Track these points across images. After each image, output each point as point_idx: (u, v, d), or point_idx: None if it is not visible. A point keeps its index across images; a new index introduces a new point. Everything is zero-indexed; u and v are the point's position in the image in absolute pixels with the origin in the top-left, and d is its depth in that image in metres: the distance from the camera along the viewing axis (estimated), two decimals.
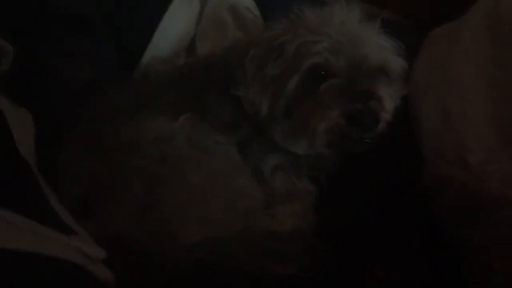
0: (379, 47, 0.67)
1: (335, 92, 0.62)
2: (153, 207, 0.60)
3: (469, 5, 0.77)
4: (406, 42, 0.73)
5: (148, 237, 0.59)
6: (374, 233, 0.66)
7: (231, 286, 0.55)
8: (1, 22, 0.72)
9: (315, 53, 0.63)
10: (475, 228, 0.54)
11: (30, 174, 0.53)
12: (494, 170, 0.52)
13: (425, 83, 0.71)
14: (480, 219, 0.53)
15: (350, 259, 0.62)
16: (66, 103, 0.77)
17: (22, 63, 0.69)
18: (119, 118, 0.67)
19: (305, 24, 0.68)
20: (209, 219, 0.62)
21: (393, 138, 0.73)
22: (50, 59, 0.78)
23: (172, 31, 0.89)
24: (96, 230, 0.56)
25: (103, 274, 0.49)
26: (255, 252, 0.61)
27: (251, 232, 0.65)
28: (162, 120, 0.66)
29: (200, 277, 0.56)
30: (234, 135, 0.70)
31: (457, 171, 0.57)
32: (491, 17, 0.68)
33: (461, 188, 0.56)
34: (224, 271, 0.57)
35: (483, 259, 0.54)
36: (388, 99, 0.64)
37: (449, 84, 0.65)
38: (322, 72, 0.63)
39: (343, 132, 0.62)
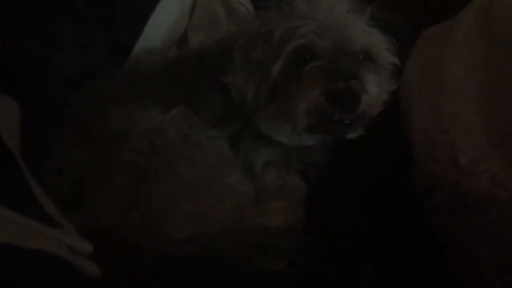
0: (365, 32, 0.67)
1: (317, 73, 0.61)
2: (142, 201, 0.59)
3: (462, 6, 0.78)
4: (398, 40, 0.74)
5: (137, 231, 0.58)
6: (363, 230, 0.66)
7: (220, 281, 0.55)
8: None
9: (300, 35, 0.63)
10: (465, 227, 0.55)
11: (15, 164, 0.52)
12: (484, 169, 0.53)
13: (417, 82, 0.71)
14: (470, 218, 0.54)
15: (339, 255, 0.61)
16: (54, 91, 0.76)
17: (9, 50, 0.68)
18: (109, 109, 0.66)
19: (293, 11, 0.68)
20: (199, 214, 0.62)
21: (383, 136, 0.74)
22: (38, 47, 0.77)
23: (164, 22, 0.88)
24: (83, 223, 0.55)
25: (89, 268, 0.48)
26: (245, 248, 0.61)
27: (241, 227, 0.64)
28: (153, 112, 0.65)
29: (189, 272, 0.55)
30: (225, 129, 0.69)
31: (448, 170, 0.57)
32: (484, 18, 0.68)
33: (452, 187, 0.56)
34: (213, 266, 0.56)
35: (473, 258, 0.54)
36: (372, 84, 0.63)
37: (441, 84, 0.65)
38: (308, 56, 0.63)
39: (323, 112, 0.61)
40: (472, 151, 0.56)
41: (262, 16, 0.72)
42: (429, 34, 0.80)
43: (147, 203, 0.60)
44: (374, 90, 0.64)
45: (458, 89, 0.64)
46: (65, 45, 0.80)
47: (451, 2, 1.29)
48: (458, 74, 0.66)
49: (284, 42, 0.64)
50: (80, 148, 0.64)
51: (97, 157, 0.62)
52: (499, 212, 0.49)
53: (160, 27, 0.88)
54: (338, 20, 0.66)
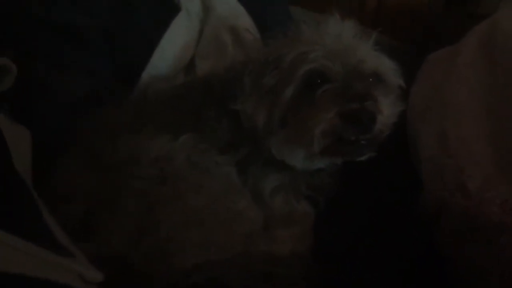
0: (373, 55, 0.69)
1: (331, 95, 0.62)
2: (152, 229, 0.59)
3: (460, 31, 0.79)
4: (402, 64, 0.74)
5: (146, 259, 0.58)
6: (371, 256, 0.66)
7: None
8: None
9: (311, 60, 0.64)
10: (475, 254, 0.54)
11: (27, 193, 0.53)
12: (493, 196, 0.53)
13: (423, 107, 0.72)
14: (480, 245, 0.53)
15: (347, 283, 0.61)
16: (63, 117, 0.77)
17: (20, 77, 0.69)
18: (118, 136, 0.67)
19: (301, 37, 0.69)
20: (207, 242, 0.61)
21: (391, 161, 0.74)
22: (46, 73, 0.78)
23: (171, 50, 0.89)
24: (93, 251, 0.55)
25: None
26: (252, 277, 0.61)
27: (249, 255, 0.64)
28: (162, 139, 0.66)
29: None
30: (233, 155, 0.70)
31: (456, 196, 0.57)
32: (487, 44, 0.69)
33: (460, 213, 0.56)
34: None
35: (484, 285, 0.54)
36: (385, 104, 0.64)
37: (447, 109, 0.66)
38: (319, 81, 0.64)
39: (339, 133, 0.61)
40: (481, 177, 0.56)
41: (269, 44, 0.73)
42: (434, 59, 0.82)
43: (156, 231, 0.60)
44: (388, 110, 0.64)
45: (464, 114, 0.65)
46: (73, 71, 0.81)
47: (451, 28, 1.32)
48: (464, 99, 0.67)
49: (295, 67, 0.64)
50: (89, 175, 0.64)
51: (106, 185, 0.62)
52: (509, 239, 0.49)
53: (167, 54, 0.89)
54: (347, 45, 0.67)
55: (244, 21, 0.95)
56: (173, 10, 0.91)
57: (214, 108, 0.72)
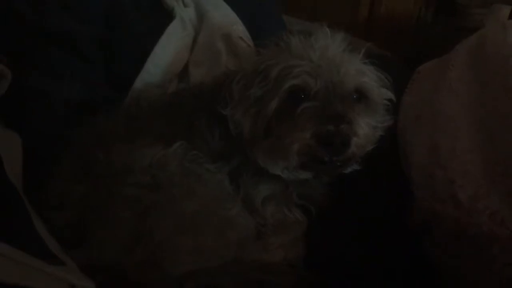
0: (357, 72, 0.69)
1: (309, 114, 0.63)
2: (145, 236, 0.59)
3: (450, 42, 0.81)
4: (393, 75, 0.75)
5: (139, 267, 0.58)
6: (362, 265, 0.66)
7: None
8: None
9: (295, 75, 0.64)
10: (466, 264, 0.55)
11: (18, 200, 0.52)
12: (484, 207, 0.54)
13: (414, 118, 0.73)
14: (471, 255, 0.54)
15: None
16: (54, 124, 0.76)
17: (13, 84, 0.69)
18: (111, 145, 0.66)
19: (290, 49, 0.69)
20: (199, 249, 0.62)
21: (382, 171, 0.75)
22: (39, 80, 0.78)
23: (165, 57, 0.89)
24: (85, 259, 0.55)
25: None
26: (245, 284, 0.61)
27: (242, 263, 0.64)
28: (155, 147, 0.66)
29: None
30: (225, 165, 0.70)
31: (447, 207, 0.58)
32: (477, 56, 0.71)
33: (452, 224, 0.56)
34: None
35: None
36: (362, 125, 0.65)
37: (437, 120, 0.67)
38: (302, 96, 0.65)
39: (314, 154, 0.63)
40: (472, 188, 0.56)
41: (261, 53, 0.74)
42: (424, 70, 0.83)
43: (149, 238, 0.59)
44: (365, 132, 0.65)
45: (454, 125, 0.66)
46: (66, 78, 0.81)
47: (439, 39, 1.35)
48: (454, 111, 0.68)
49: (280, 81, 0.65)
50: (82, 183, 0.64)
51: (99, 193, 0.62)
52: (500, 250, 0.49)
53: (161, 62, 0.89)
54: (332, 61, 0.67)
55: (238, 29, 0.96)
56: (167, 17, 0.92)
57: (205, 117, 0.72)
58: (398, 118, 0.75)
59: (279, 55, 0.69)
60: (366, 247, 0.68)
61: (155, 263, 0.59)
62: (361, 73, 0.69)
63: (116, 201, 0.60)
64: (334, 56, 0.68)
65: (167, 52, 0.89)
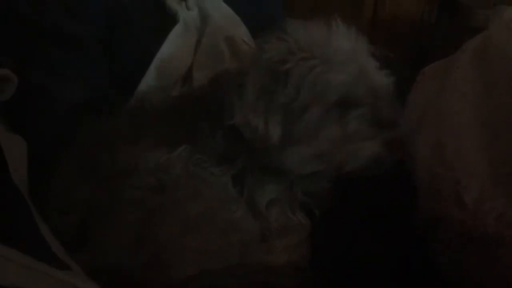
0: (384, 74, 0.70)
1: (367, 121, 0.65)
2: (149, 238, 0.59)
3: (452, 45, 0.81)
4: (395, 77, 0.75)
5: (143, 270, 0.58)
6: (367, 266, 0.66)
7: None
8: None
9: (338, 85, 0.64)
10: (471, 265, 0.55)
11: (23, 204, 0.53)
12: (490, 208, 0.53)
13: (419, 118, 0.73)
14: (476, 257, 0.54)
15: None
16: (57, 126, 0.76)
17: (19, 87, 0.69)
18: (116, 147, 0.66)
19: (306, 47, 0.67)
20: (204, 250, 0.62)
21: (387, 171, 0.75)
22: (42, 81, 0.78)
23: (169, 60, 0.89)
24: (89, 261, 0.55)
25: None
26: (249, 286, 0.61)
27: (246, 265, 0.64)
28: (160, 150, 0.66)
29: None
30: (229, 168, 0.69)
31: (453, 208, 0.57)
32: (481, 57, 0.71)
33: (457, 224, 0.56)
34: None
35: None
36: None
37: (443, 121, 0.67)
38: (345, 102, 0.65)
39: (379, 160, 0.65)
40: (477, 189, 0.56)
41: (265, 49, 0.70)
42: (429, 71, 0.83)
43: (154, 241, 0.60)
44: None
45: (459, 126, 0.66)
46: (69, 80, 0.81)
47: (443, 39, 1.35)
48: (459, 111, 0.68)
49: (321, 89, 0.64)
50: (85, 185, 0.64)
51: (103, 195, 0.62)
52: (506, 252, 0.49)
53: (165, 64, 0.89)
54: (363, 66, 0.67)
55: (241, 31, 0.96)
56: (171, 20, 0.92)
57: (208, 121, 0.71)
58: (403, 118, 0.75)
59: (294, 54, 0.67)
60: (371, 248, 0.67)
61: (160, 265, 0.59)
62: (387, 76, 0.70)
63: (120, 203, 0.60)
64: (363, 59, 0.68)
65: (171, 55, 0.90)
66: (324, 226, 0.72)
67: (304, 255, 0.69)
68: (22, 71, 0.65)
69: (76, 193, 0.63)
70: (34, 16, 0.78)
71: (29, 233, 0.49)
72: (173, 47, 0.90)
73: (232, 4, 1.00)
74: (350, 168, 0.67)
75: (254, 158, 0.70)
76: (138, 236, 0.59)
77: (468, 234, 0.55)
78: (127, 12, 0.90)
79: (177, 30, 0.91)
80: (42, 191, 0.64)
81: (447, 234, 0.59)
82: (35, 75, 0.77)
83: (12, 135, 0.62)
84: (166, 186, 0.63)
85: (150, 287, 0.57)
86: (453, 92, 0.69)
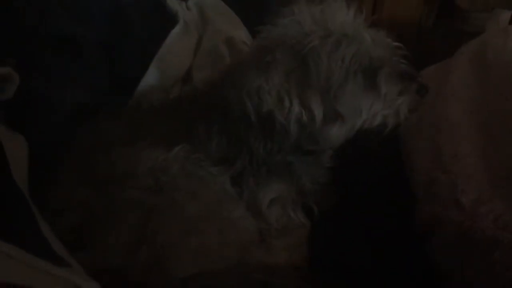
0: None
1: (394, 78, 0.68)
2: (148, 238, 0.59)
3: (450, 49, 0.82)
4: None
5: (142, 270, 0.58)
6: (366, 267, 0.67)
7: None
8: None
9: (364, 52, 0.66)
10: (468, 267, 0.55)
11: (24, 203, 0.52)
12: (487, 210, 0.54)
13: (417, 122, 0.73)
14: (473, 259, 0.54)
15: None
16: (58, 128, 0.76)
17: (17, 89, 0.69)
18: (114, 149, 0.66)
19: (320, 25, 0.67)
20: (203, 250, 0.62)
21: (386, 173, 0.75)
22: (43, 84, 0.77)
23: (169, 61, 0.90)
24: (88, 262, 0.55)
25: None
26: (249, 286, 0.61)
27: (245, 265, 0.64)
28: (157, 151, 0.66)
29: None
30: (227, 169, 0.70)
31: (451, 211, 0.58)
32: (478, 61, 0.72)
33: (455, 228, 0.57)
34: None
35: None
36: None
37: (440, 124, 0.68)
38: (370, 67, 0.67)
39: (416, 106, 0.68)
40: (474, 192, 0.57)
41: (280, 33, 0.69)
42: (427, 74, 0.83)
43: (152, 241, 0.60)
44: None
45: (456, 129, 0.66)
46: (70, 82, 0.81)
47: (440, 43, 1.35)
48: (456, 115, 0.68)
49: (351, 60, 0.65)
50: (84, 187, 0.63)
51: (101, 196, 0.62)
52: (502, 255, 0.50)
53: (165, 65, 0.90)
54: (374, 34, 0.69)
55: (241, 32, 0.96)
56: (171, 21, 0.92)
57: (204, 122, 0.71)
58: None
59: (315, 32, 0.66)
60: (370, 249, 0.68)
61: (159, 265, 0.59)
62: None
63: (118, 204, 0.60)
64: (358, 24, 0.69)
65: (170, 56, 0.90)
66: (324, 226, 0.73)
67: (304, 255, 0.70)
68: (23, 73, 0.65)
69: (75, 194, 0.63)
70: (36, 20, 0.78)
71: (30, 231, 0.49)
72: (173, 48, 0.90)
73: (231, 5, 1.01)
74: (392, 125, 0.69)
75: (257, 159, 0.70)
76: (137, 237, 0.59)
77: (466, 235, 0.55)
78: (127, 13, 0.90)
79: (177, 30, 0.92)
80: (42, 192, 0.64)
81: (445, 236, 0.59)
82: (36, 78, 0.77)
83: (13, 135, 0.62)
84: (163, 187, 0.63)
85: (150, 286, 0.57)
86: (450, 97, 0.70)
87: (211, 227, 0.63)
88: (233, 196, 0.69)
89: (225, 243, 0.63)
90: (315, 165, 0.75)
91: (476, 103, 0.67)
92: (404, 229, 0.68)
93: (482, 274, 0.53)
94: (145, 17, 0.92)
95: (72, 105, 0.79)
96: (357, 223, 0.71)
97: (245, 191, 0.70)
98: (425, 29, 1.39)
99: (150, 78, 0.88)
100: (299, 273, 0.65)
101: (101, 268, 0.56)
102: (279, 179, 0.72)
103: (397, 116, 0.69)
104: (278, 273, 0.64)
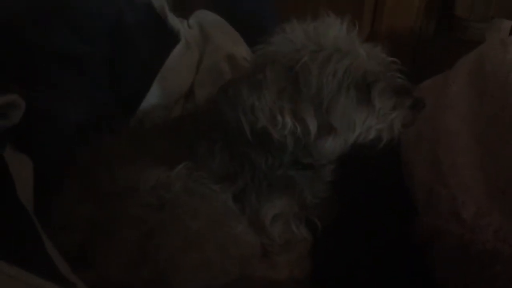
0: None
1: (388, 93, 0.68)
2: (151, 255, 0.60)
3: (448, 60, 0.83)
4: None
5: (144, 286, 0.58)
6: (368, 282, 0.67)
7: None
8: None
9: (358, 66, 0.66)
10: (468, 280, 0.55)
11: (30, 222, 0.53)
12: (487, 223, 0.54)
13: (416, 134, 0.74)
14: (474, 272, 0.54)
15: None
16: (61, 145, 0.76)
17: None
18: (116, 166, 0.67)
19: (312, 41, 0.68)
20: (205, 266, 0.62)
21: (387, 186, 0.76)
22: (46, 101, 0.77)
23: (171, 79, 0.91)
24: (93, 279, 0.55)
25: None
26: None
27: (248, 280, 0.65)
28: (159, 168, 0.66)
29: None
30: (230, 185, 0.70)
31: (450, 224, 0.58)
32: (476, 74, 0.72)
33: (455, 240, 0.57)
34: None
35: None
36: None
37: (439, 136, 0.68)
38: (364, 81, 0.67)
39: (410, 122, 0.69)
40: (474, 204, 0.57)
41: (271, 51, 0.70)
42: (426, 87, 0.84)
43: (155, 257, 0.60)
44: None
45: (455, 142, 0.66)
46: (73, 100, 0.81)
47: (440, 53, 1.36)
48: (455, 127, 0.69)
49: (344, 74, 0.66)
50: (87, 204, 0.64)
51: (105, 213, 0.63)
52: (503, 267, 0.50)
53: (167, 83, 0.91)
54: (367, 49, 0.69)
55: (242, 49, 0.97)
56: (173, 39, 0.94)
57: (207, 140, 0.72)
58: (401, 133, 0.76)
59: (305, 49, 0.67)
60: (372, 262, 0.68)
61: (162, 281, 0.59)
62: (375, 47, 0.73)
63: (121, 221, 0.61)
64: (351, 38, 0.70)
65: (173, 74, 0.91)
66: (326, 241, 0.73)
67: (305, 269, 0.70)
68: (27, 94, 0.66)
69: (79, 212, 0.64)
70: (39, 37, 0.79)
71: (36, 252, 0.50)
72: (175, 66, 0.92)
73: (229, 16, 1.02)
74: (386, 140, 0.69)
75: (259, 175, 0.71)
76: (140, 254, 0.60)
77: (466, 249, 0.55)
78: (129, 31, 0.91)
79: (178, 48, 0.93)
80: (46, 209, 0.65)
81: (445, 249, 0.59)
82: (40, 97, 0.77)
83: (18, 155, 0.63)
84: (166, 204, 0.63)
85: None
86: (448, 109, 0.70)
87: (213, 243, 0.64)
88: (236, 213, 0.70)
89: (227, 258, 0.64)
90: (316, 179, 0.75)
91: (474, 115, 0.67)
92: (405, 241, 0.68)
93: (482, 286, 0.53)
94: (148, 35, 0.93)
95: (76, 123, 0.80)
96: (359, 236, 0.72)
97: (247, 207, 0.71)
98: (425, 39, 1.41)
99: (153, 96, 0.89)
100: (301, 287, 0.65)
101: (104, 285, 0.57)
102: (281, 194, 0.72)
103: (391, 131, 0.69)
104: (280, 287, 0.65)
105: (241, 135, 0.68)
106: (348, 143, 0.69)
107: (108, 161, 0.69)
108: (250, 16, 1.08)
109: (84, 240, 0.62)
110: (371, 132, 0.69)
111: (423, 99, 0.68)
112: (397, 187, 0.74)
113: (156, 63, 0.90)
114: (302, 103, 0.65)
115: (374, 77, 0.68)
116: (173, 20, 0.97)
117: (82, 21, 0.85)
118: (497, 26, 1.16)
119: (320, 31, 0.69)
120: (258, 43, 0.72)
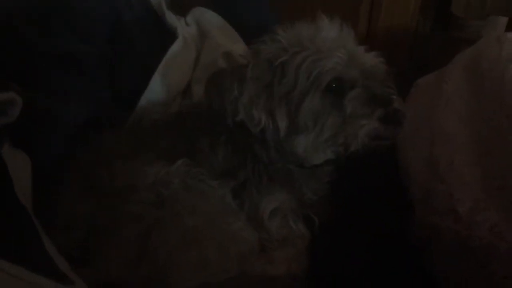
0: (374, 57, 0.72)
1: (362, 101, 0.66)
2: (150, 252, 0.60)
3: (444, 57, 0.83)
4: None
5: (143, 283, 0.59)
6: (364, 277, 0.67)
7: None
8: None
9: (332, 67, 0.67)
10: (465, 277, 0.55)
11: (28, 220, 0.54)
12: (483, 220, 0.54)
13: (412, 132, 0.74)
14: (470, 269, 0.54)
15: None
16: (61, 144, 0.77)
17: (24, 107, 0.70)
18: (115, 163, 0.68)
19: (296, 43, 0.69)
20: (203, 263, 0.63)
21: (384, 183, 0.76)
22: (45, 101, 0.78)
23: (169, 76, 0.91)
24: (92, 278, 0.56)
25: None
26: None
27: (245, 276, 0.65)
28: (158, 165, 0.67)
29: None
30: (228, 181, 0.71)
31: (447, 220, 0.58)
32: (472, 71, 0.72)
33: (451, 237, 0.57)
34: None
35: None
36: (399, 101, 0.69)
37: (435, 134, 0.68)
38: (334, 85, 0.67)
39: (379, 134, 0.67)
40: (470, 200, 0.57)
41: (258, 49, 0.72)
42: (422, 83, 0.84)
43: (154, 255, 0.61)
44: (402, 106, 0.69)
45: (452, 139, 0.67)
46: (72, 98, 0.82)
47: (436, 51, 1.37)
48: (451, 124, 0.69)
49: (316, 75, 0.67)
50: (87, 202, 0.65)
51: (104, 211, 0.63)
52: (500, 263, 0.50)
53: (165, 80, 0.91)
54: (352, 50, 0.69)
55: (239, 46, 0.97)
56: (170, 37, 0.94)
57: (207, 135, 0.73)
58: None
59: (288, 49, 0.69)
60: (369, 259, 0.69)
61: (161, 278, 0.60)
62: (369, 53, 0.72)
63: (120, 218, 0.62)
64: (342, 40, 0.70)
65: (170, 71, 0.91)
66: (323, 237, 0.73)
67: (303, 266, 0.70)
68: (26, 93, 0.66)
69: (78, 209, 0.64)
70: (38, 37, 0.79)
71: (35, 250, 0.50)
72: (173, 63, 0.92)
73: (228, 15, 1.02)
74: (354, 149, 0.68)
75: (258, 170, 0.72)
76: (139, 251, 0.60)
77: (462, 245, 0.55)
78: (128, 29, 0.92)
79: (176, 45, 0.93)
80: (45, 208, 0.65)
81: (442, 246, 0.60)
82: (39, 96, 0.77)
83: (16, 153, 0.63)
84: (165, 201, 0.64)
85: None
86: (445, 106, 0.70)
87: (211, 240, 0.64)
88: (234, 209, 0.70)
89: (225, 255, 0.64)
90: (314, 178, 0.75)
91: (471, 112, 0.67)
92: (403, 239, 0.68)
93: (479, 283, 0.54)
94: (146, 33, 0.93)
95: (75, 121, 0.80)
96: (356, 233, 0.72)
97: (246, 202, 0.71)
98: (422, 38, 1.41)
99: (151, 93, 0.89)
100: (298, 283, 0.65)
101: (104, 283, 0.57)
102: (281, 188, 0.72)
103: (355, 140, 0.67)
104: (277, 284, 0.65)
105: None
106: (318, 144, 0.69)
107: (107, 158, 0.69)
108: (249, 14, 1.08)
109: (85, 239, 0.62)
110: (339, 137, 0.68)
111: (403, 112, 0.66)
112: (393, 185, 0.75)
113: (155, 60, 0.91)
114: (276, 101, 0.68)
115: (351, 83, 0.68)
116: (171, 18, 0.97)
117: (81, 21, 0.86)
118: (492, 25, 1.17)
119: (309, 33, 0.70)
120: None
